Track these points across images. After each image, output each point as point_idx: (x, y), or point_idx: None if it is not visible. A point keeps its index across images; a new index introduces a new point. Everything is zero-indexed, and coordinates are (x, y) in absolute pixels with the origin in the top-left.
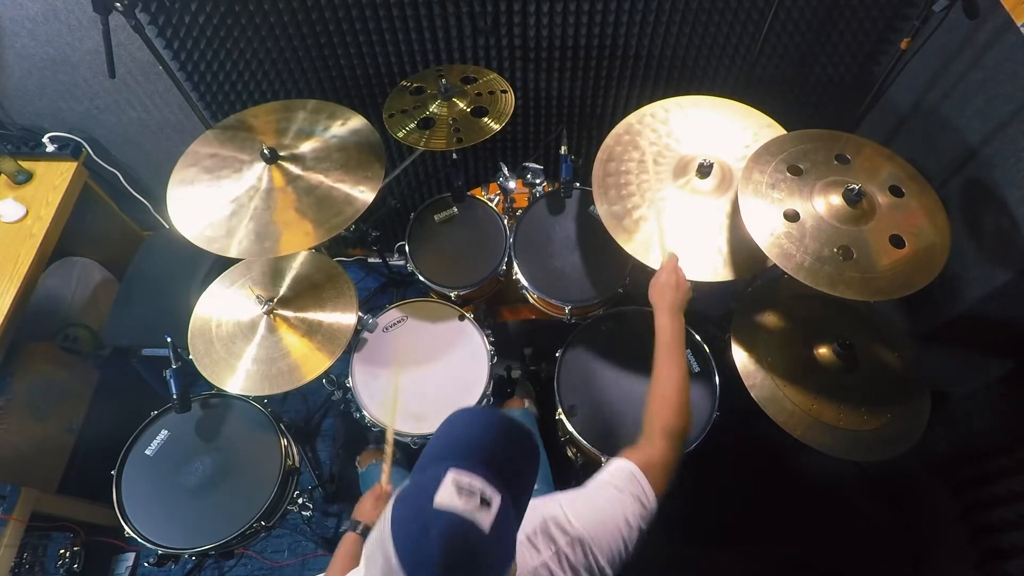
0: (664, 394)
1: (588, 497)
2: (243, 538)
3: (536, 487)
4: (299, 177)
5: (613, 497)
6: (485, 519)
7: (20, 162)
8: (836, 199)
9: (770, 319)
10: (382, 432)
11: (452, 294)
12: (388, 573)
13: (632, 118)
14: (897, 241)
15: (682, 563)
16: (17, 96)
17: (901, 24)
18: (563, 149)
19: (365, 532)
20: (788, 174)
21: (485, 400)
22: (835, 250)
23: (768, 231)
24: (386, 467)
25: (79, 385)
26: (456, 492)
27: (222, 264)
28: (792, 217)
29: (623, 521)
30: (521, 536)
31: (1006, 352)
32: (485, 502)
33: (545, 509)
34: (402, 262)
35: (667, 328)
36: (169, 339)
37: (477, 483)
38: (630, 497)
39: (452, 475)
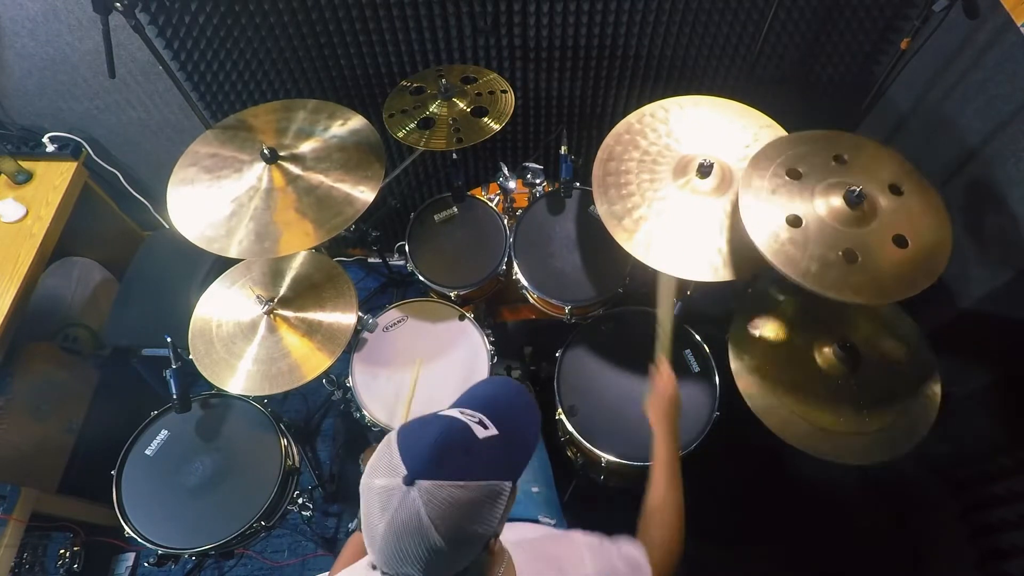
0: (668, 521)
1: (607, 550)
2: (243, 538)
3: (537, 489)
4: (299, 177)
5: (628, 560)
6: (480, 431)
7: (20, 162)
8: (837, 201)
9: (770, 319)
10: (382, 432)
11: (452, 294)
12: (388, 463)
13: (632, 117)
14: (900, 241)
15: (681, 562)
16: (17, 96)
17: (901, 24)
18: (563, 149)
19: None
20: (787, 178)
21: None
22: (839, 254)
23: (772, 238)
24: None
25: (79, 385)
26: (459, 411)
27: (222, 264)
28: (794, 222)
29: None
30: (530, 556)
31: (1006, 352)
32: (482, 425)
33: (561, 545)
34: (402, 262)
35: (669, 446)
36: (169, 339)
37: (478, 414)
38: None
39: (458, 408)
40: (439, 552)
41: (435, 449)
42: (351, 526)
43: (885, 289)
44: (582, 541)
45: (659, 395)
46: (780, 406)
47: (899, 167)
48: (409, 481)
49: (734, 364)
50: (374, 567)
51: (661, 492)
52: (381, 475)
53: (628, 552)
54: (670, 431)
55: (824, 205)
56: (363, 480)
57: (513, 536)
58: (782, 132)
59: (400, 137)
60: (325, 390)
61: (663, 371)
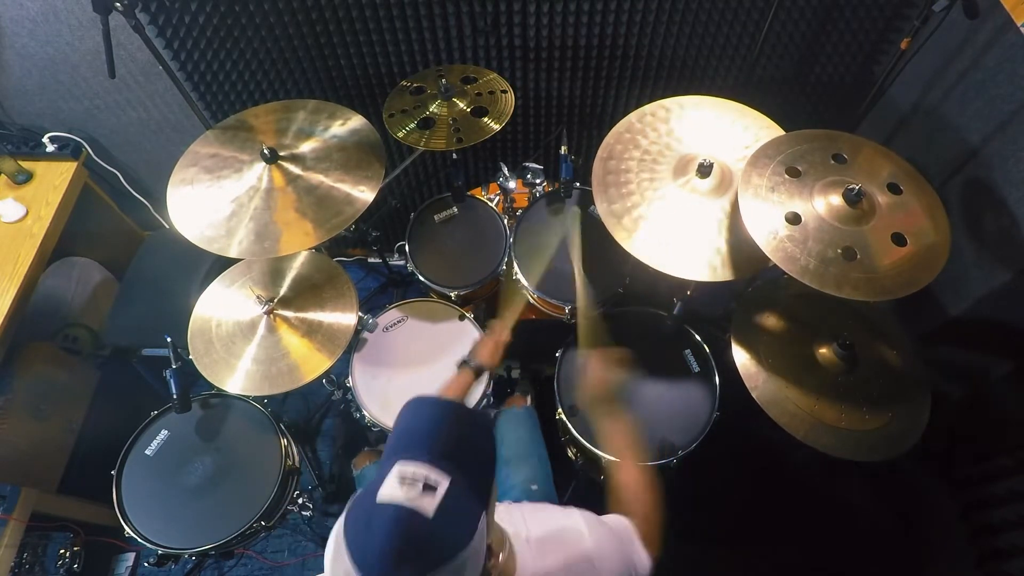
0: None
1: (605, 524)
2: (243, 538)
3: (536, 487)
4: (299, 177)
5: (626, 531)
6: (428, 505)
7: (20, 162)
8: (836, 199)
9: (770, 319)
10: (382, 432)
11: (452, 294)
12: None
13: (633, 117)
14: (899, 239)
15: (681, 562)
16: (17, 96)
17: (901, 24)
18: (563, 149)
19: (479, 370)
20: (786, 176)
21: (485, 400)
22: (838, 251)
23: (771, 235)
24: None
25: (79, 385)
26: (398, 484)
27: (222, 264)
28: (793, 220)
29: (633, 556)
30: (529, 537)
31: (1006, 352)
32: (429, 488)
33: (561, 520)
34: (402, 262)
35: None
36: (169, 339)
37: (421, 470)
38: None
39: (397, 467)
40: None
41: (389, 557)
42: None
43: (885, 286)
44: (579, 516)
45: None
46: (784, 400)
47: (898, 167)
48: None
49: (738, 357)
50: None
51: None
52: None
53: (614, 522)
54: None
55: (823, 203)
56: None
57: (515, 514)
58: (782, 133)
59: (400, 137)
60: (325, 390)
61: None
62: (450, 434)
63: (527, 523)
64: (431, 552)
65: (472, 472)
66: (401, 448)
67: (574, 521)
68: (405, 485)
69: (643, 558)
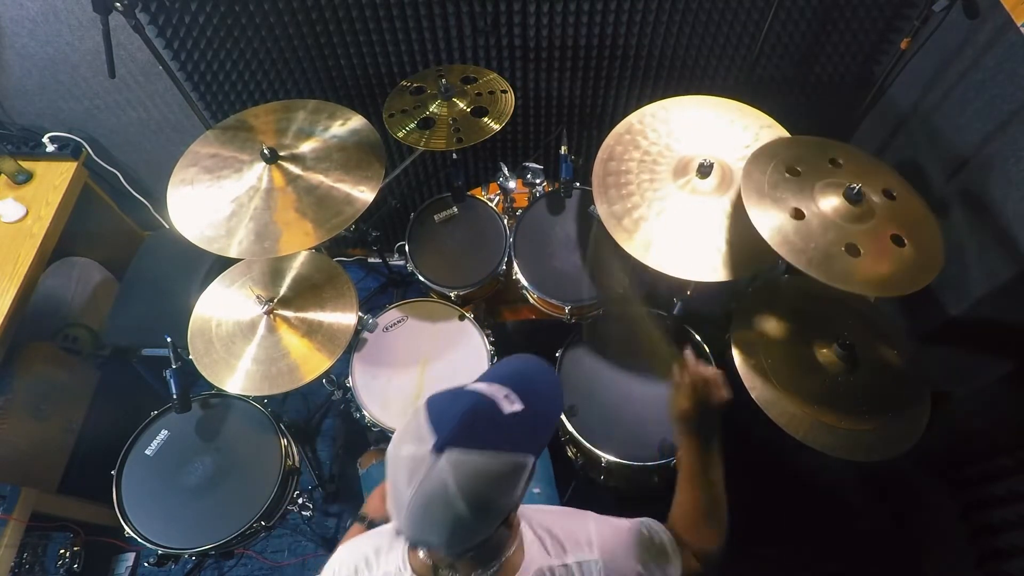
0: (690, 525)
1: (616, 526)
2: (243, 538)
3: (538, 489)
4: (299, 177)
5: (639, 535)
6: (507, 406)
7: (20, 162)
8: (837, 199)
9: (770, 319)
10: (382, 432)
11: (452, 294)
12: (416, 432)
13: (633, 117)
14: (898, 240)
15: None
16: (17, 96)
17: (901, 24)
18: (563, 149)
19: (371, 526)
20: (787, 175)
21: None
22: (842, 248)
23: (776, 230)
24: None
25: (79, 385)
26: (488, 383)
27: (222, 264)
28: (797, 215)
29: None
30: (537, 528)
31: (1006, 352)
32: (509, 399)
33: (570, 520)
34: (402, 262)
35: (686, 448)
36: (169, 339)
37: (505, 388)
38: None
39: (486, 382)
40: (464, 521)
41: (464, 419)
42: (348, 523)
43: (889, 282)
44: (590, 517)
45: (672, 394)
46: (783, 400)
47: (889, 176)
48: (438, 449)
49: (737, 358)
50: (398, 532)
51: (680, 499)
52: (409, 443)
53: (638, 523)
54: (685, 431)
55: (825, 201)
56: (390, 449)
57: (525, 512)
58: (782, 132)
59: (400, 137)
60: (325, 390)
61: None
62: (534, 379)
63: (535, 521)
64: (499, 437)
65: (536, 419)
66: (492, 374)
67: (583, 522)
68: (492, 387)
69: (672, 568)
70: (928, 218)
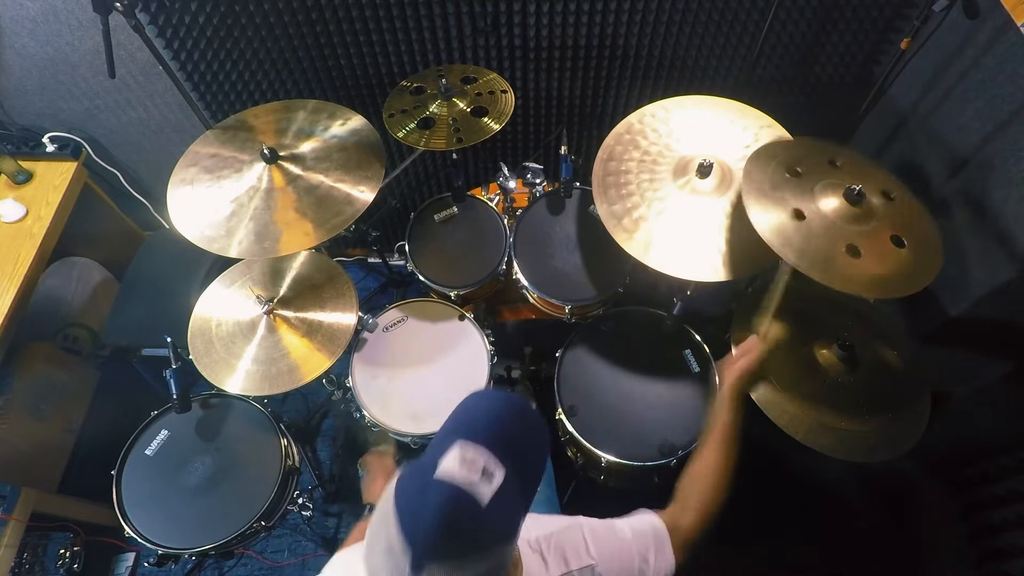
0: (708, 485)
1: (611, 528)
2: (243, 538)
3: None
4: (299, 177)
5: (633, 539)
6: (485, 492)
7: (20, 162)
8: (837, 199)
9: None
10: (383, 432)
11: (452, 294)
12: (389, 543)
13: (633, 117)
14: (898, 241)
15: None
16: (17, 96)
17: (901, 24)
18: (563, 149)
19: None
20: (787, 175)
21: None
22: (843, 248)
23: (776, 229)
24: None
25: (79, 385)
26: (459, 463)
27: (222, 264)
28: (798, 215)
29: (640, 561)
30: (533, 543)
31: (1006, 352)
32: (487, 475)
33: (565, 529)
34: (402, 262)
35: (724, 413)
36: (169, 339)
37: (482, 456)
38: (651, 544)
39: (459, 447)
40: None
41: (440, 531)
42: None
43: (890, 283)
44: (585, 526)
45: (730, 361)
46: (783, 401)
47: (887, 179)
48: (416, 567)
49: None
50: None
51: (706, 457)
52: (383, 556)
53: (639, 521)
54: (729, 397)
55: (825, 202)
56: (365, 552)
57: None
58: (782, 132)
59: (400, 137)
60: (325, 390)
61: (748, 341)
62: (514, 431)
63: (532, 536)
64: (476, 539)
65: (524, 473)
66: (465, 430)
67: (578, 530)
68: (465, 466)
69: (664, 560)
70: (927, 219)
